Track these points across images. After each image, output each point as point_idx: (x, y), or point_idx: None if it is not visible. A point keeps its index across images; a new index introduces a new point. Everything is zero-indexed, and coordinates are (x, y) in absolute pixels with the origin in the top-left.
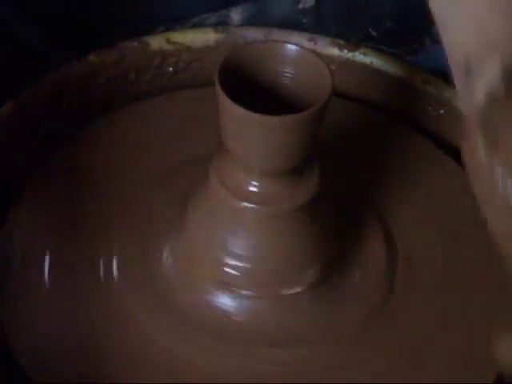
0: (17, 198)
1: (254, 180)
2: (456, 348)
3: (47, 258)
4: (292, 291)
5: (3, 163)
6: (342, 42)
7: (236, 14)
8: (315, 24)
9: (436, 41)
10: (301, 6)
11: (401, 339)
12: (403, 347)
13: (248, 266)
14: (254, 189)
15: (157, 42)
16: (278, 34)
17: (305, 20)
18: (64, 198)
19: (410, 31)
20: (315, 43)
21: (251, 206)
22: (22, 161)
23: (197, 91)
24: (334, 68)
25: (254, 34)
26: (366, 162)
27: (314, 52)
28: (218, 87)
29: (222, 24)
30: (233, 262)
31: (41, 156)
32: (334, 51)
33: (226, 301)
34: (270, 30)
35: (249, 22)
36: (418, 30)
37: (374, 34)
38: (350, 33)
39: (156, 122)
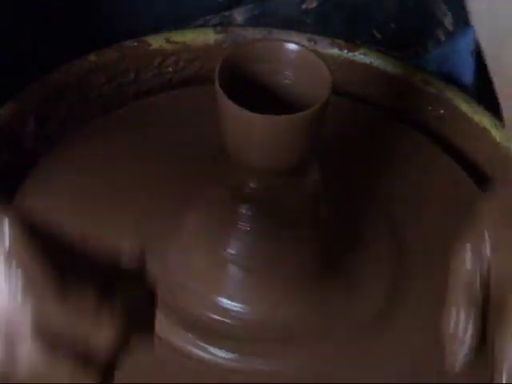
0: (16, 198)
1: (253, 180)
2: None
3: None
4: (293, 292)
5: (3, 163)
6: (341, 42)
7: (239, 15)
8: (319, 25)
9: (438, 44)
10: (304, 6)
11: (402, 340)
12: (405, 349)
13: (247, 266)
14: (254, 189)
15: (157, 41)
16: (277, 34)
17: (308, 21)
18: (63, 198)
19: (414, 34)
20: (315, 43)
21: (250, 206)
22: (22, 161)
23: (197, 90)
24: (333, 68)
25: (254, 33)
26: (366, 161)
27: (314, 52)
28: (217, 87)
29: (225, 25)
30: (232, 262)
31: (41, 156)
32: (334, 51)
33: (224, 301)
34: (270, 30)
35: (252, 22)
36: (421, 32)
37: (378, 36)
38: (354, 34)
39: (156, 121)
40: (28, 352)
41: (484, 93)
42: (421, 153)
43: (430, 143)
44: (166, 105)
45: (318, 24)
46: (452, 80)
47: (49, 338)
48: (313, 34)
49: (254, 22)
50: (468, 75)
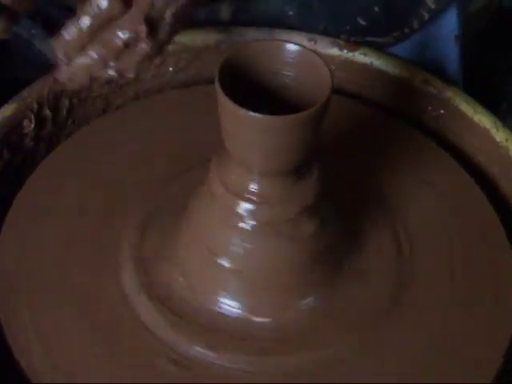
0: (16, 198)
1: (253, 180)
2: (457, 346)
3: (46, 260)
4: (291, 293)
5: (3, 163)
6: (341, 42)
7: (225, 8)
8: (302, 16)
9: (423, 23)
10: None
11: (406, 340)
12: (408, 348)
13: (247, 266)
14: (254, 189)
15: None
16: (278, 34)
17: (291, 12)
18: (63, 198)
19: (398, 15)
20: (315, 43)
21: (250, 206)
22: (22, 161)
23: (197, 91)
24: (333, 68)
25: (255, 33)
26: (366, 161)
27: (314, 52)
28: (217, 87)
29: (213, 16)
30: (232, 262)
31: (40, 156)
32: (334, 51)
33: (224, 302)
34: (270, 30)
35: (237, 15)
36: (405, 13)
37: (363, 22)
38: (338, 23)
39: (156, 121)
40: None
41: (469, 80)
42: (421, 152)
43: (430, 142)
44: (165, 105)
45: (301, 15)
46: (436, 67)
47: None
48: (312, 34)
49: (238, 14)
50: (453, 62)
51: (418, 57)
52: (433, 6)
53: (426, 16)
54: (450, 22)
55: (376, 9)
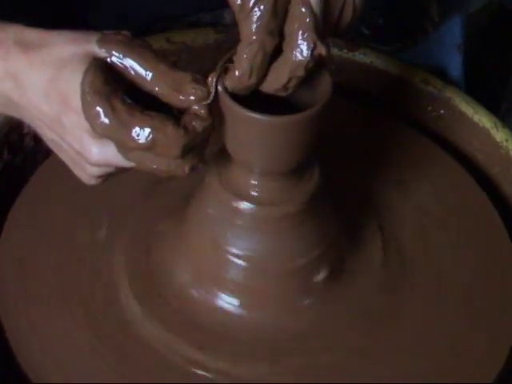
0: (16, 198)
1: (253, 180)
2: (455, 347)
3: (48, 258)
4: (290, 291)
5: (3, 163)
6: (341, 42)
7: (229, 14)
8: None
9: (426, 35)
10: None
11: (400, 339)
12: (403, 349)
13: (247, 265)
14: (254, 189)
15: (157, 41)
16: None
17: None
18: (63, 198)
19: (402, 27)
20: None
21: (250, 206)
22: (22, 160)
23: None
24: (334, 68)
25: None
26: (365, 161)
27: None
28: (218, 87)
29: (216, 22)
30: (232, 262)
31: (41, 156)
32: (334, 51)
33: (224, 300)
34: None
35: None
36: (410, 25)
37: (366, 31)
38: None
39: None
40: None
41: (469, 80)
42: (420, 152)
43: (430, 142)
44: None
45: None
46: (439, 75)
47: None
48: None
49: None
50: (455, 69)
51: (421, 64)
52: (437, 19)
53: (430, 29)
54: (453, 31)
55: (380, 21)
